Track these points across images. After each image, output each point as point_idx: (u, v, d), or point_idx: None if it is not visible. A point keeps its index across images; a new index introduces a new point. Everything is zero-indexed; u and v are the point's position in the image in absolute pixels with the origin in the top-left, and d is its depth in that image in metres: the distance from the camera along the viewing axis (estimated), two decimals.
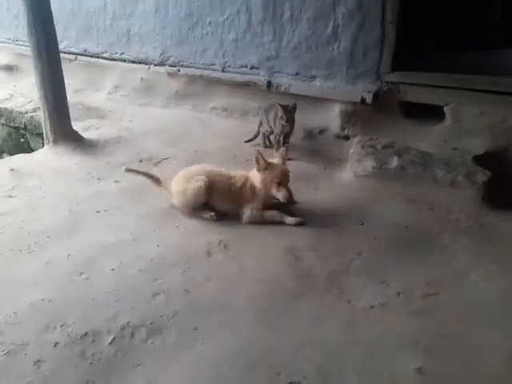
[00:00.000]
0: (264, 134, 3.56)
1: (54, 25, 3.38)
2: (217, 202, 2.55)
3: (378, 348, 1.70)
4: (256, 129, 3.61)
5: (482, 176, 2.69)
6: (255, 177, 2.55)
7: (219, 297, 1.95)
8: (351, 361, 1.64)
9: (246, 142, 3.63)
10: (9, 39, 5.83)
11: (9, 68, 5.75)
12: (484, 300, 1.94)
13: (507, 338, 1.73)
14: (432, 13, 4.81)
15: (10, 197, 2.79)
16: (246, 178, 2.56)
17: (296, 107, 3.27)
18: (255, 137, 3.63)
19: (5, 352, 1.64)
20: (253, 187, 2.53)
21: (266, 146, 3.55)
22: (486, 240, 2.36)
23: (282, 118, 3.21)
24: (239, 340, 1.72)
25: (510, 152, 2.97)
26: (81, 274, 2.06)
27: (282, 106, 3.22)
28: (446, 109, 3.21)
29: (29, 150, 4.13)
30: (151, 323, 1.78)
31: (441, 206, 2.66)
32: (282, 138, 3.35)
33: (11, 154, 3.92)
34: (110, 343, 1.69)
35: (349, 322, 1.82)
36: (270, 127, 3.43)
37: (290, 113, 3.23)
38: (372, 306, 1.90)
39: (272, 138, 3.51)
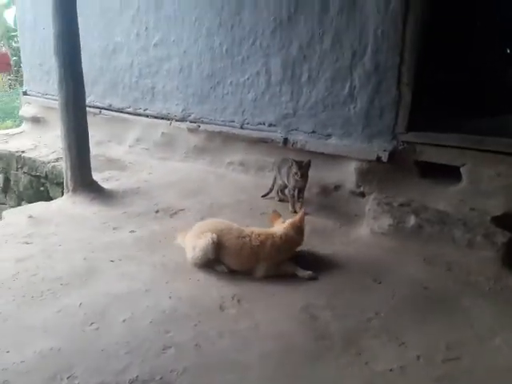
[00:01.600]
0: (278, 188, 3.63)
1: (83, 79, 3.55)
2: (226, 259, 2.53)
3: None
4: (271, 183, 3.70)
5: (502, 237, 2.64)
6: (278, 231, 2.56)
7: (231, 353, 1.89)
8: None
9: (262, 196, 3.71)
10: (39, 93, 6.14)
11: (36, 120, 6.01)
12: (509, 365, 1.85)
13: None
14: (446, 78, 4.96)
15: (27, 243, 2.82)
16: (268, 235, 2.54)
17: (310, 164, 3.36)
18: (270, 190, 3.71)
19: None
20: (275, 244, 2.51)
21: (280, 200, 3.63)
22: (507, 303, 2.28)
23: (296, 173, 3.29)
24: None
25: None
26: (92, 323, 2.03)
27: (296, 161, 3.31)
28: (462, 169, 3.22)
29: (48, 198, 4.21)
30: (160, 378, 1.72)
31: (460, 266, 2.59)
32: (296, 193, 3.42)
33: (30, 201, 4.00)
34: None
35: None
36: (283, 182, 3.52)
37: (303, 168, 3.31)
38: (391, 370, 1.82)
39: (286, 191, 3.57)
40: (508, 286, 2.43)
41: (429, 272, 2.55)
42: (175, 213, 3.33)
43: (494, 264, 2.59)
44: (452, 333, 2.04)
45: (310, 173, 3.37)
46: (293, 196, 3.44)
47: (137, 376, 1.72)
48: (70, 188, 3.58)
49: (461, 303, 2.27)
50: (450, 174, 3.27)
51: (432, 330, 2.07)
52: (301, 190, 3.44)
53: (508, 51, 6.09)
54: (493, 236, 2.66)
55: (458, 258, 2.66)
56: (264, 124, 4.19)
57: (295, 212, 3.38)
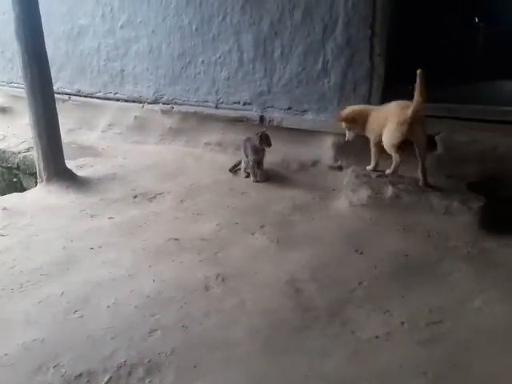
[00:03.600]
0: (245, 165, 3.68)
1: (48, 65, 3.42)
2: None
3: (385, 379, 1.64)
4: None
5: (478, 202, 2.70)
6: None
7: (219, 332, 1.89)
8: None
9: (229, 170, 3.79)
10: (3, 82, 5.89)
11: (2, 110, 5.79)
12: (490, 326, 1.91)
13: None
14: (416, 47, 5.00)
15: (2, 236, 2.74)
16: None
17: (267, 134, 3.47)
18: (236, 165, 3.79)
19: None
20: None
21: (246, 176, 3.66)
22: (486, 265, 2.34)
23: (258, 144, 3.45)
24: (241, 376, 1.65)
25: (503, 178, 3.00)
26: (75, 312, 1.99)
27: (258, 133, 3.46)
28: (437, 138, 3.26)
29: (21, 189, 4.09)
30: (149, 361, 1.71)
31: (438, 233, 2.65)
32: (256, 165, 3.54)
33: (3, 194, 3.87)
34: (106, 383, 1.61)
35: (354, 354, 1.76)
36: (247, 158, 3.58)
37: (264, 140, 3.43)
38: (377, 337, 1.85)
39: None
40: (485, 249, 2.50)
41: (409, 240, 2.60)
42: (154, 197, 3.28)
43: (471, 228, 2.65)
44: (434, 297, 2.09)
45: (288, 149, 3.37)
46: (253, 167, 3.52)
47: (125, 360, 1.71)
48: (44, 177, 3.48)
49: (441, 268, 2.33)
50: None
51: (415, 296, 2.11)
52: (260, 163, 3.55)
53: (476, 20, 6.15)
54: (469, 201, 2.72)
55: (436, 224, 2.71)
56: (239, 103, 4.14)
57: (257, 181, 3.50)
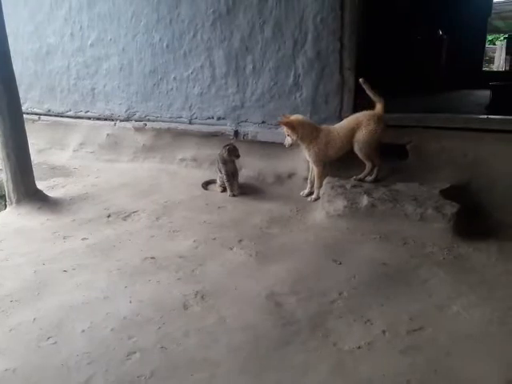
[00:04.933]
0: (220, 179, 3.68)
1: (16, 85, 3.35)
2: None
3: None
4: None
5: (451, 208, 2.75)
6: None
7: (199, 351, 1.84)
8: None
9: (202, 185, 3.81)
10: None
11: None
12: (469, 330, 1.92)
13: (497, 367, 1.70)
14: (383, 60, 5.14)
15: None
16: None
17: (234, 146, 3.55)
18: (209, 182, 3.83)
19: None
20: None
21: (222, 191, 3.66)
22: (462, 271, 2.38)
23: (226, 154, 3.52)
24: None
25: (474, 184, 3.08)
26: (48, 338, 1.91)
27: (226, 146, 3.54)
28: (408, 147, 3.33)
29: None
30: None
31: (414, 240, 2.69)
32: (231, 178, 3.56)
33: None
34: None
35: (337, 366, 1.75)
36: (220, 171, 3.61)
37: (232, 152, 3.51)
38: (359, 347, 1.84)
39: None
40: (460, 255, 2.54)
41: (386, 248, 2.62)
42: (128, 215, 3.22)
43: (446, 234, 2.69)
44: (413, 304, 2.10)
45: (264, 163, 3.37)
46: (227, 180, 3.54)
47: None
48: (14, 200, 3.38)
49: (419, 275, 2.35)
50: (397, 152, 3.37)
51: (394, 304, 2.12)
52: (234, 175, 3.58)
53: (440, 33, 6.37)
54: (443, 208, 2.76)
55: (412, 232, 2.74)
56: (213, 118, 4.14)
57: (234, 196, 3.52)
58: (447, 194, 2.95)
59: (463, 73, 6.02)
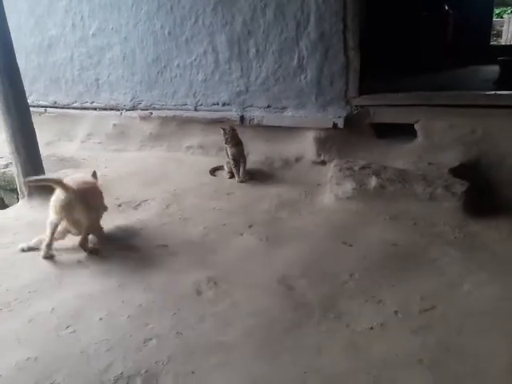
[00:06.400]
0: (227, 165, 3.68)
1: (21, 79, 3.36)
2: None
3: (383, 370, 1.65)
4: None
5: (461, 187, 2.75)
6: None
7: (214, 336, 1.88)
8: None
9: (210, 172, 3.78)
10: None
11: None
12: (480, 308, 1.94)
13: (509, 344, 1.72)
14: (388, 39, 5.06)
15: None
16: None
17: (234, 128, 3.53)
18: (217, 168, 3.82)
19: None
20: None
21: (230, 177, 3.65)
22: (473, 249, 2.39)
23: (225, 140, 3.50)
24: (240, 378, 1.65)
25: (483, 161, 3.05)
26: (67, 327, 1.96)
27: (222, 128, 3.50)
28: (416, 126, 3.31)
29: (3, 206, 4.00)
30: (146, 371, 1.69)
31: (424, 220, 2.69)
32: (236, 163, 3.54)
33: None
34: None
35: (350, 347, 1.78)
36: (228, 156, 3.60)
37: (228, 134, 3.48)
38: (371, 328, 1.87)
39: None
40: (471, 233, 2.54)
41: (395, 229, 2.63)
42: (138, 204, 3.25)
43: (456, 213, 2.70)
44: (425, 284, 2.12)
45: (271, 147, 3.37)
46: (234, 166, 3.53)
47: (121, 372, 1.69)
48: (25, 193, 3.42)
49: (429, 254, 2.36)
50: (406, 132, 3.35)
51: (406, 284, 2.14)
52: (242, 161, 3.55)
53: (446, 8, 6.24)
54: (452, 187, 2.76)
55: (421, 212, 2.75)
56: (218, 104, 4.13)
57: (242, 181, 3.51)
58: (456, 172, 2.94)
59: (471, 48, 5.91)
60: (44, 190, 3.43)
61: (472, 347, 1.73)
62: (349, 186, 2.96)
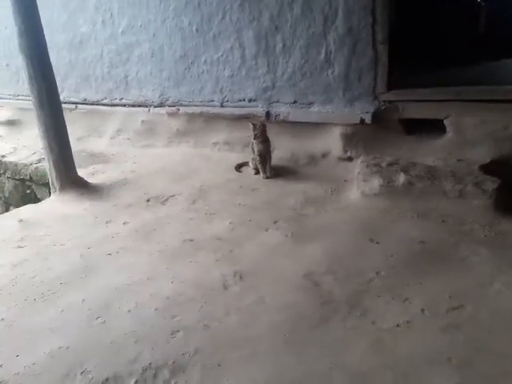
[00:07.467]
0: (253, 161, 3.68)
1: (54, 76, 3.46)
2: None
3: (410, 368, 1.63)
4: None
5: (492, 184, 2.68)
6: None
7: (240, 329, 1.90)
8: (384, 383, 1.58)
9: (235, 168, 3.81)
10: (10, 95, 5.97)
11: (11, 123, 5.86)
12: (511, 308, 1.89)
13: None
14: (418, 32, 4.95)
15: (20, 247, 2.78)
16: None
17: (264, 124, 3.52)
18: (243, 164, 3.84)
19: None
20: None
21: (255, 173, 3.65)
22: (504, 247, 2.33)
23: (254, 136, 3.48)
24: (266, 372, 1.66)
25: None
26: (97, 318, 2.02)
27: (252, 124, 3.49)
28: (446, 122, 3.24)
29: (35, 200, 4.14)
30: (173, 362, 1.73)
31: (453, 217, 2.63)
32: (262, 159, 3.53)
33: (18, 206, 3.93)
34: None
35: (376, 344, 1.76)
36: (254, 152, 3.59)
37: (258, 130, 3.46)
38: (397, 325, 1.84)
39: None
40: (502, 231, 2.48)
41: (424, 227, 2.58)
42: (166, 199, 3.31)
43: (487, 211, 2.63)
44: (453, 283, 2.08)
45: (296, 143, 3.36)
46: (260, 162, 3.52)
47: (150, 363, 1.73)
48: (57, 187, 3.53)
49: (458, 253, 2.31)
50: (435, 128, 3.28)
51: (433, 282, 2.10)
52: (267, 157, 3.54)
53: (478, 0, 6.07)
54: (483, 184, 2.69)
55: (450, 209, 2.69)
56: (244, 100, 4.15)
57: (267, 177, 3.50)
58: (487, 169, 2.86)
59: (504, 41, 5.73)
60: (75, 184, 3.55)
61: (502, 348, 1.69)
62: (376, 182, 2.93)
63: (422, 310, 1.92)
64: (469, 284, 2.07)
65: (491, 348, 1.69)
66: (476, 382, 1.55)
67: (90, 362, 1.75)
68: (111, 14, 4.66)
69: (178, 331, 1.90)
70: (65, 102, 4.74)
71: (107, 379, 1.67)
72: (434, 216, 2.67)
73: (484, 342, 1.73)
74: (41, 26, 3.35)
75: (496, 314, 1.87)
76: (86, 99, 5.21)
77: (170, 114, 4.55)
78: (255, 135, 3.49)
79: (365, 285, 2.12)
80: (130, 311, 2.06)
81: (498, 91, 3.16)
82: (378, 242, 2.47)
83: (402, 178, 2.87)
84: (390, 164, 3.07)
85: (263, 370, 1.67)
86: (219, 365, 1.71)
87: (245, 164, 3.78)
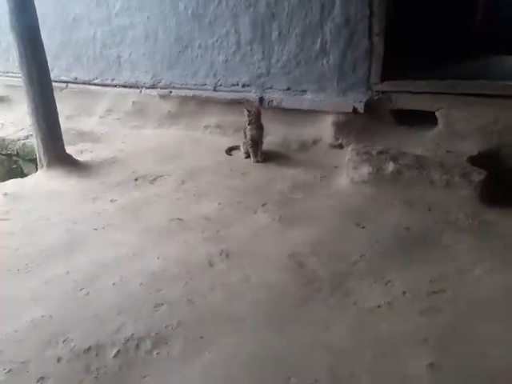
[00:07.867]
0: (244, 145, 3.68)
1: (45, 54, 3.40)
2: None
3: (388, 347, 1.67)
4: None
5: (478, 175, 2.71)
6: None
7: (224, 306, 1.92)
8: (362, 362, 1.61)
9: (226, 152, 3.80)
10: None
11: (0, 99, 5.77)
12: (491, 295, 1.93)
13: None
14: (415, 25, 4.96)
15: (5, 220, 2.75)
16: None
17: (259, 110, 3.51)
18: (233, 148, 3.83)
19: (6, 370, 1.58)
20: None
21: (246, 157, 3.65)
22: (486, 237, 2.37)
23: (248, 121, 3.47)
24: (247, 347, 1.68)
25: (503, 152, 3.01)
26: (81, 289, 2.02)
27: (247, 109, 3.49)
28: (437, 114, 3.27)
29: (22, 175, 4.08)
30: (156, 334, 1.74)
31: (439, 206, 2.67)
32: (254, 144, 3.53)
33: (3, 180, 3.87)
34: (115, 356, 1.64)
35: (357, 323, 1.79)
36: (245, 136, 3.59)
37: (252, 116, 3.46)
38: (378, 306, 1.88)
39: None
40: (485, 221, 2.52)
41: (410, 214, 2.62)
42: (155, 179, 3.29)
43: (472, 201, 2.67)
44: (435, 268, 2.12)
45: (288, 129, 3.37)
46: (251, 146, 3.53)
47: (132, 334, 1.74)
48: (45, 163, 3.49)
49: (442, 240, 2.35)
50: (426, 119, 3.31)
51: (416, 267, 2.13)
52: (259, 141, 3.55)
53: None
54: (469, 175, 2.73)
55: (437, 198, 2.73)
56: (238, 85, 4.13)
57: (258, 162, 3.51)
58: (475, 161, 2.90)
59: (500, 38, 5.73)
60: (63, 161, 3.52)
61: (480, 330, 1.73)
62: (365, 170, 2.95)
63: (404, 293, 1.95)
64: (450, 270, 2.10)
65: (468, 331, 1.73)
66: (450, 363, 1.58)
67: (72, 332, 1.76)
68: None
69: (162, 305, 1.91)
70: (55, 81, 4.68)
71: (89, 348, 1.67)
72: (421, 204, 2.71)
73: (462, 325, 1.76)
74: (33, 4, 3.29)
75: (475, 299, 1.91)
76: (77, 78, 5.14)
77: (162, 96, 4.51)
78: (250, 121, 3.48)
79: (349, 267, 2.15)
80: (114, 284, 2.06)
81: (490, 86, 3.19)
82: (363, 227, 2.49)
83: (390, 167, 2.90)
84: (380, 152, 3.09)
85: (245, 345, 1.69)
86: (201, 337, 1.72)
87: (236, 148, 3.78)
